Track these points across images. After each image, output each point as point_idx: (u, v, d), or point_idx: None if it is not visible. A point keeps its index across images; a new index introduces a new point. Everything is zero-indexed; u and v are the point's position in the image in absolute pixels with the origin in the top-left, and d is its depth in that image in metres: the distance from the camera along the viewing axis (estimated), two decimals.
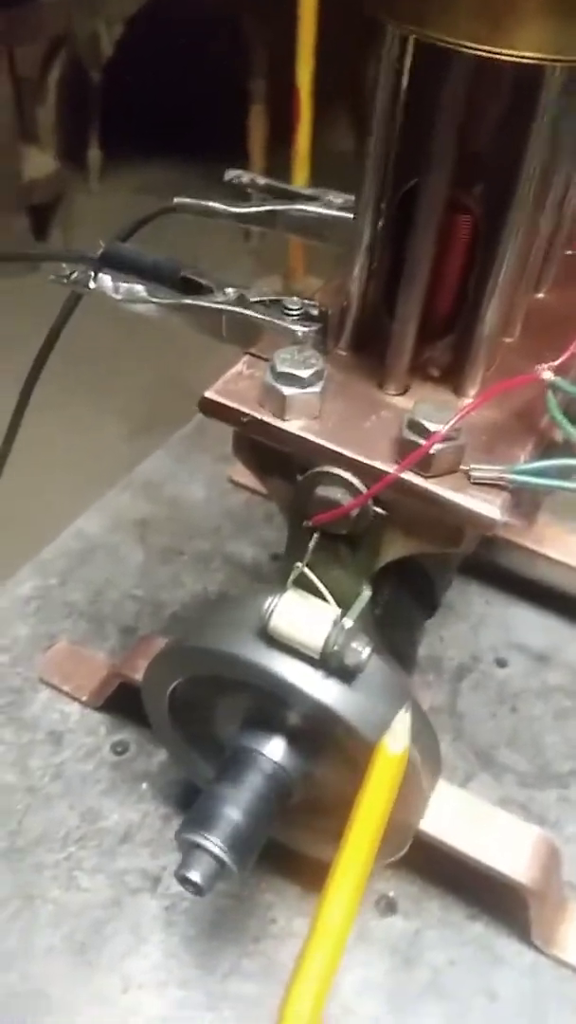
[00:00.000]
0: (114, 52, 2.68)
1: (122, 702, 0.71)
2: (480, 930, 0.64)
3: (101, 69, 2.74)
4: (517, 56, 0.34)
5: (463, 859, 0.59)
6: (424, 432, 0.41)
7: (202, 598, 0.82)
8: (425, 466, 0.42)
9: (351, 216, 0.54)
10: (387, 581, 0.64)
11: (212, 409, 0.45)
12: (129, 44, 2.63)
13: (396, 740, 0.46)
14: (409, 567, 0.60)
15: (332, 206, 0.55)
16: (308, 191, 0.56)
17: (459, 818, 0.59)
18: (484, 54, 0.35)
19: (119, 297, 0.47)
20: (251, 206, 0.55)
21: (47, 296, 0.56)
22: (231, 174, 0.59)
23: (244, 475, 0.93)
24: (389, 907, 0.64)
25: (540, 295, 0.55)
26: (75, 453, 1.59)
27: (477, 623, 0.84)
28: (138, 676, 0.66)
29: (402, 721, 0.46)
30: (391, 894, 0.65)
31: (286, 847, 0.62)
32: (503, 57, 0.34)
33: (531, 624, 0.84)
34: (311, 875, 0.64)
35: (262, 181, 0.58)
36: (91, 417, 1.74)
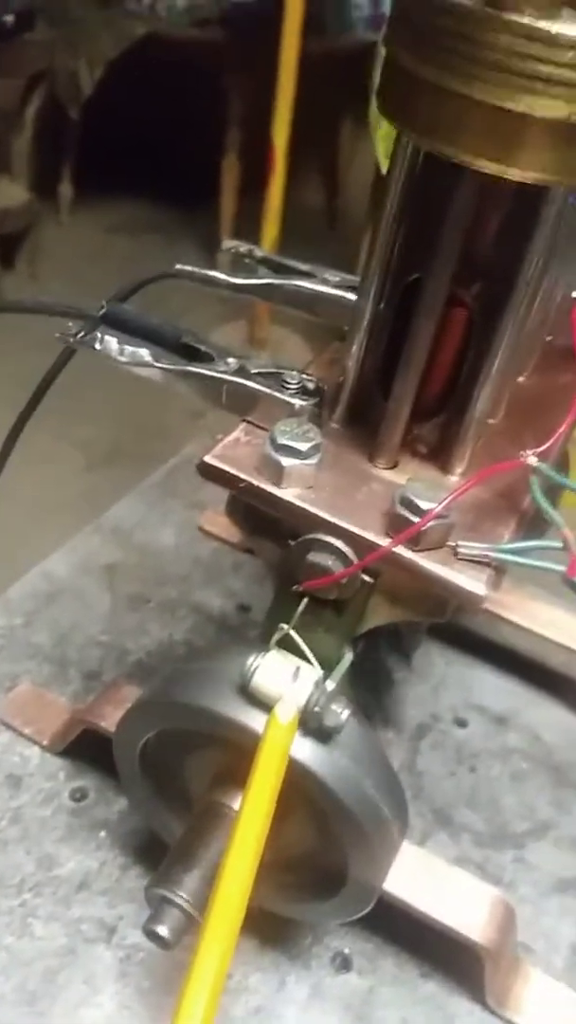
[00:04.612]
0: (93, 92, 2.73)
1: (83, 748, 0.71)
2: (433, 988, 0.65)
3: (80, 107, 2.78)
4: (522, 176, 0.37)
5: (420, 918, 0.60)
6: (417, 509, 0.43)
7: (169, 647, 0.83)
8: (415, 540, 0.44)
9: (345, 294, 0.57)
10: (359, 640, 0.66)
11: (211, 473, 0.47)
12: (109, 86, 2.68)
13: (286, 709, 0.47)
14: (382, 628, 0.62)
15: (328, 284, 0.57)
16: (305, 267, 0.59)
17: (417, 876, 0.61)
18: (492, 172, 0.37)
19: (123, 360, 0.49)
20: (249, 278, 0.57)
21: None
22: (228, 244, 0.61)
23: (213, 524, 0.94)
24: (344, 964, 0.65)
25: (521, 379, 0.59)
26: (41, 490, 1.59)
27: (438, 683, 0.86)
28: (103, 723, 0.66)
29: (292, 691, 0.47)
30: (346, 951, 0.65)
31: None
32: (509, 176, 0.37)
33: (491, 686, 0.87)
34: (267, 929, 0.65)
35: (259, 254, 0.60)
36: (57, 452, 1.74)
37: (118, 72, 2.66)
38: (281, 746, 0.45)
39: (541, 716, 0.85)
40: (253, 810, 0.44)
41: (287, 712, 0.46)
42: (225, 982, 0.61)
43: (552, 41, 0.34)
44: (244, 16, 2.43)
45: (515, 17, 0.34)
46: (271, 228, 2.20)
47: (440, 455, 0.50)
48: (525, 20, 0.34)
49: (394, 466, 0.50)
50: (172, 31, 2.62)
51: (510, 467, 0.45)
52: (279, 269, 0.60)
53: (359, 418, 0.51)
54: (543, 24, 0.34)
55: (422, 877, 0.61)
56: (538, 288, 0.47)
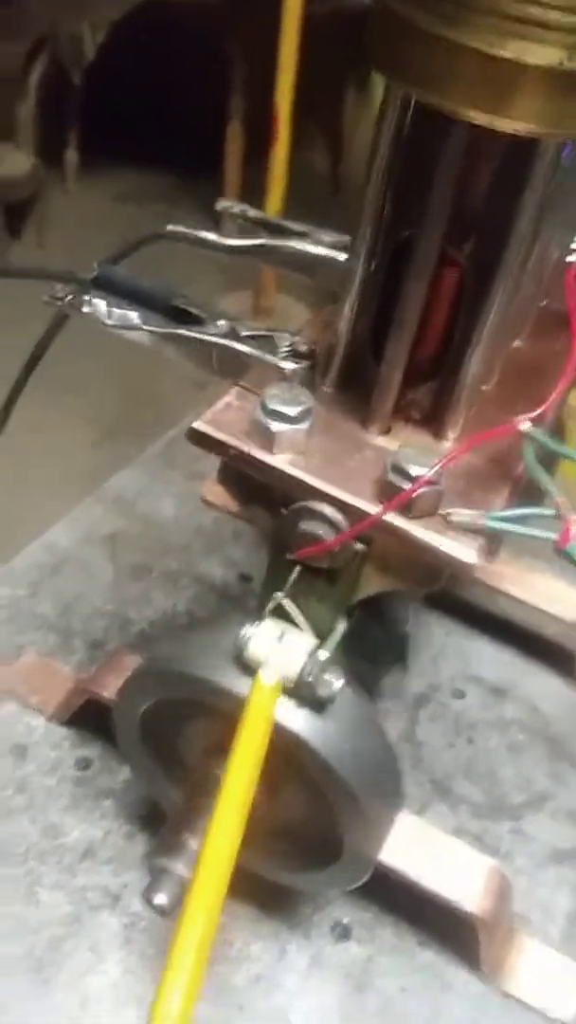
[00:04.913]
0: (97, 56, 2.69)
1: (87, 717, 0.71)
2: (431, 957, 0.65)
3: (83, 72, 2.74)
4: (513, 127, 0.36)
5: (417, 888, 0.60)
6: (408, 476, 0.42)
7: (171, 617, 0.83)
8: (407, 508, 0.43)
9: (339, 255, 0.55)
10: (355, 611, 0.65)
11: (201, 439, 0.46)
12: (112, 49, 2.64)
13: (270, 672, 0.47)
14: (377, 599, 0.62)
15: (322, 244, 0.56)
16: (298, 227, 0.57)
17: (415, 847, 0.61)
18: (482, 122, 0.36)
19: (111, 323, 0.48)
20: (243, 239, 0.56)
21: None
22: (223, 204, 0.60)
23: (214, 494, 0.93)
24: (344, 933, 0.65)
25: (517, 344, 0.57)
26: (45, 461, 1.59)
27: (437, 654, 0.86)
28: (106, 692, 0.66)
29: (279, 655, 0.47)
30: (346, 920, 0.66)
31: (244, 869, 0.62)
32: (500, 127, 0.36)
33: (489, 657, 0.86)
34: (268, 898, 0.65)
35: (252, 214, 0.59)
36: (59, 422, 1.73)
37: (121, 36, 2.62)
38: (266, 709, 0.45)
39: (539, 687, 0.84)
40: (238, 772, 0.44)
41: (271, 675, 0.46)
42: (219, 948, 0.61)
43: None
44: None
45: None
46: (275, 194, 2.17)
47: (433, 421, 0.49)
48: None
49: (387, 432, 0.49)
50: None
51: (503, 432, 0.44)
52: (274, 230, 0.59)
53: (352, 382, 0.50)
54: None
55: (419, 847, 0.61)
56: (532, 248, 0.46)
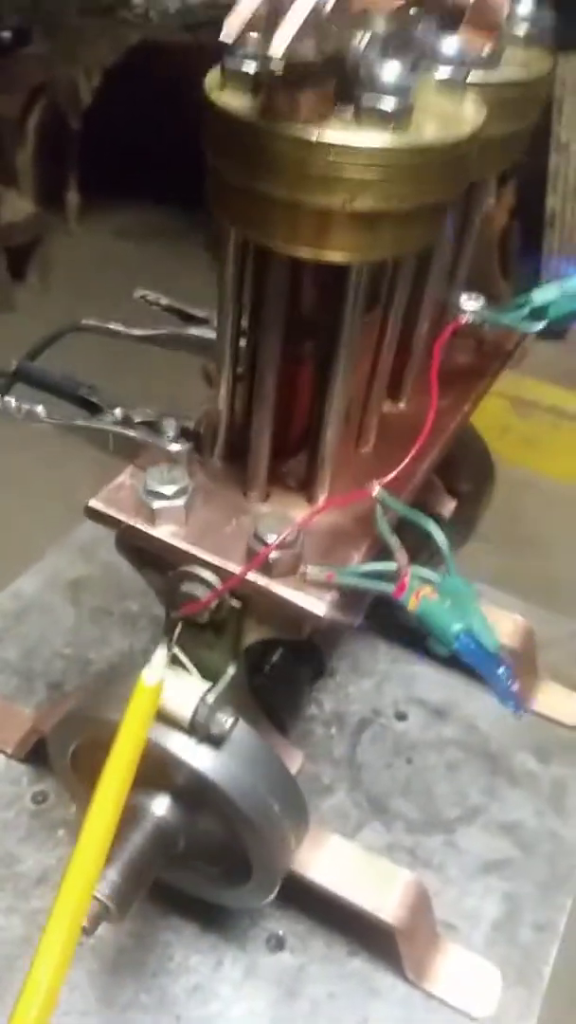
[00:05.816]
0: (93, 100, 2.79)
1: (44, 754, 0.78)
2: (359, 965, 0.71)
3: (80, 116, 2.84)
4: (322, 257, 0.42)
5: (340, 901, 0.66)
6: (263, 541, 0.49)
7: (129, 657, 0.89)
8: (267, 568, 0.49)
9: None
10: (275, 649, 0.72)
11: (96, 515, 0.53)
12: (107, 92, 2.74)
13: (152, 672, 0.52)
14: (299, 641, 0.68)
15: None
16: (201, 314, 0.64)
17: (337, 863, 0.67)
18: (295, 255, 0.43)
19: (20, 417, 0.55)
20: (148, 329, 0.63)
21: None
22: (138, 293, 0.67)
23: None
24: (278, 944, 0.71)
25: (401, 405, 0.64)
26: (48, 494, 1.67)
27: (381, 679, 0.91)
28: None
29: (159, 656, 0.53)
30: (280, 932, 0.72)
31: (183, 891, 0.69)
32: (305, 257, 0.43)
33: (432, 681, 0.92)
34: (208, 915, 0.71)
35: (164, 302, 0.66)
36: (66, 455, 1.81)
37: (116, 80, 2.72)
38: (145, 707, 0.50)
39: (479, 706, 0.90)
40: (114, 770, 0.49)
41: (154, 675, 0.51)
42: (160, 961, 0.67)
43: (313, 147, 0.39)
44: None
45: (284, 127, 0.39)
46: None
47: (306, 487, 0.55)
48: (292, 131, 0.39)
49: (266, 498, 0.55)
50: (165, 36, 2.67)
51: (356, 497, 0.50)
52: (182, 316, 0.66)
53: (235, 455, 0.56)
54: (307, 132, 0.39)
55: (342, 864, 0.67)
56: (373, 333, 0.52)
